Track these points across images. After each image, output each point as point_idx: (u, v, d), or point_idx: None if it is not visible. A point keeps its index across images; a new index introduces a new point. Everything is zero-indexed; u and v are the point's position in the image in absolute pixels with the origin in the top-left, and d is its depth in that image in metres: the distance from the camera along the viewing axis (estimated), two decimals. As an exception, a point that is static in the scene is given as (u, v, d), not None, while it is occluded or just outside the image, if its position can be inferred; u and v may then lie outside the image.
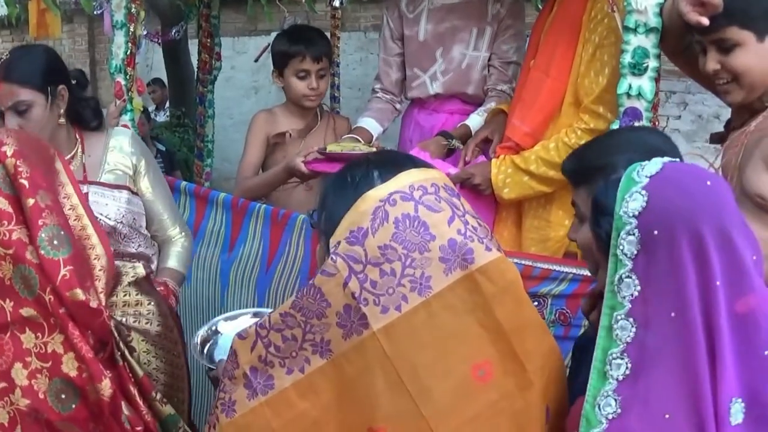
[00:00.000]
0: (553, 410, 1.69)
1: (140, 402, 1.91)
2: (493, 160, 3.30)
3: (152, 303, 2.10)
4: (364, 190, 1.59)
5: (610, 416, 1.47)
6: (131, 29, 3.57)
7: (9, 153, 1.81)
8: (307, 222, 3.18)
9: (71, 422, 1.82)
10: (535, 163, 3.16)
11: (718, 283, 1.44)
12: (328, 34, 4.27)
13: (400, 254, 1.52)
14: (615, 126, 2.67)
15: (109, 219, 2.78)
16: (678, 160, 1.62)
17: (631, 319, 1.50)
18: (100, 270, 1.92)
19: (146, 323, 2.07)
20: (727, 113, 2.80)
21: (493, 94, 3.79)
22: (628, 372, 1.49)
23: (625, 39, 2.62)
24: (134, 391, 1.91)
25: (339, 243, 1.55)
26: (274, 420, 1.59)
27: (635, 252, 1.50)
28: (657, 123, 2.70)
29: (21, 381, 1.80)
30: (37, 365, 1.80)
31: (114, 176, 2.92)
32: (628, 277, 1.50)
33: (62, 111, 2.84)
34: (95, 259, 1.93)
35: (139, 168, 2.98)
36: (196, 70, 5.29)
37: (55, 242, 1.80)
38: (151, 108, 10.80)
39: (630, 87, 2.63)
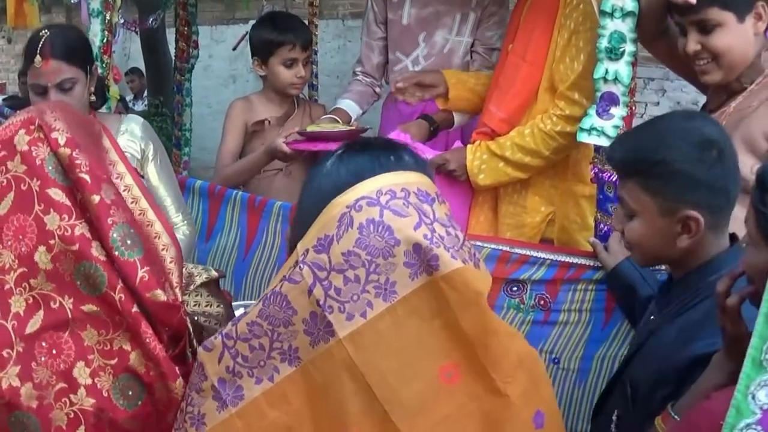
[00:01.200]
0: (549, 413, 1.67)
1: None
2: (469, 146, 3.31)
3: (222, 305, 2.04)
4: (334, 196, 1.56)
5: (765, 407, 1.36)
6: (107, 17, 3.53)
7: (62, 141, 1.70)
8: (284, 209, 3.17)
9: (136, 419, 1.75)
10: (510, 149, 3.17)
11: None
12: (306, 22, 4.27)
13: (364, 260, 1.49)
14: (592, 112, 2.68)
15: None
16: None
17: None
18: (170, 262, 1.83)
19: (215, 324, 1.99)
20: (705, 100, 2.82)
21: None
22: None
23: (602, 23, 2.62)
24: None
25: (307, 251, 1.53)
26: (245, 431, 1.57)
27: None
28: (634, 108, 2.70)
29: (84, 380, 1.72)
30: (101, 362, 1.73)
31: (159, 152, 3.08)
32: None
33: (93, 89, 2.99)
34: (163, 249, 1.84)
35: (147, 153, 3.11)
36: (173, 58, 5.26)
37: (128, 242, 1.70)
38: (129, 97, 10.75)
39: (607, 72, 2.63)
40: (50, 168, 1.70)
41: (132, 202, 1.84)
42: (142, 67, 10.14)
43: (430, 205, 1.56)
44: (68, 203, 1.70)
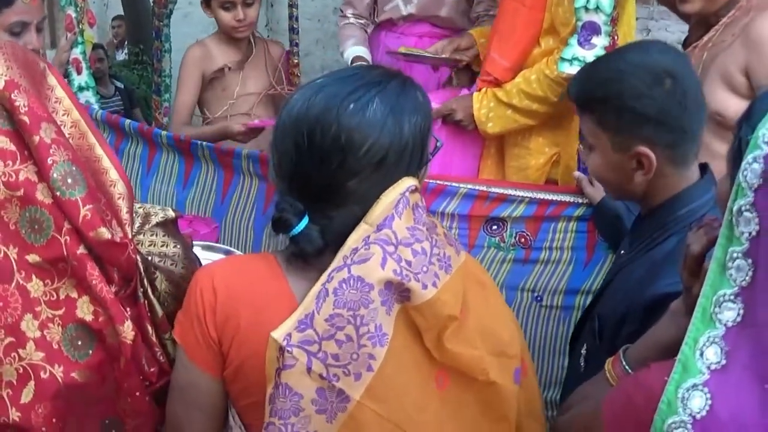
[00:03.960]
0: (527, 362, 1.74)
1: (155, 341, 1.81)
2: (474, 94, 3.23)
3: (178, 246, 1.98)
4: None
5: (713, 366, 1.28)
6: (81, -40, 3.46)
7: (1, 85, 1.64)
8: (253, 157, 3.12)
9: (89, 370, 1.71)
10: (517, 97, 3.10)
11: None
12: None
13: (348, 317, 1.47)
14: (573, 41, 2.64)
15: None
16: None
17: (749, 260, 1.26)
18: (119, 198, 1.78)
19: (171, 265, 1.93)
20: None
21: (487, 20, 3.74)
22: (739, 319, 1.27)
23: (584, -49, 2.58)
24: (151, 330, 1.80)
25: (290, 335, 1.50)
26: None
27: (757, 184, 1.25)
28: (616, 38, 2.67)
29: (33, 333, 1.68)
30: (49, 314, 1.69)
31: None
32: (747, 210, 1.25)
33: None
34: (111, 185, 1.79)
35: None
36: (152, 5, 5.18)
37: (69, 180, 1.65)
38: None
39: (588, 1, 2.59)
40: None
41: (79, 138, 1.80)
42: (122, 16, 10.03)
43: (390, 228, 1.51)
44: (13, 148, 1.66)
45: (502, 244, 2.85)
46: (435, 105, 3.28)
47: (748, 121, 1.35)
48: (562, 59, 2.66)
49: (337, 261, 1.51)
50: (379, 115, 1.53)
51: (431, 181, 2.89)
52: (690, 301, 1.48)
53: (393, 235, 1.51)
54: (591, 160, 2.04)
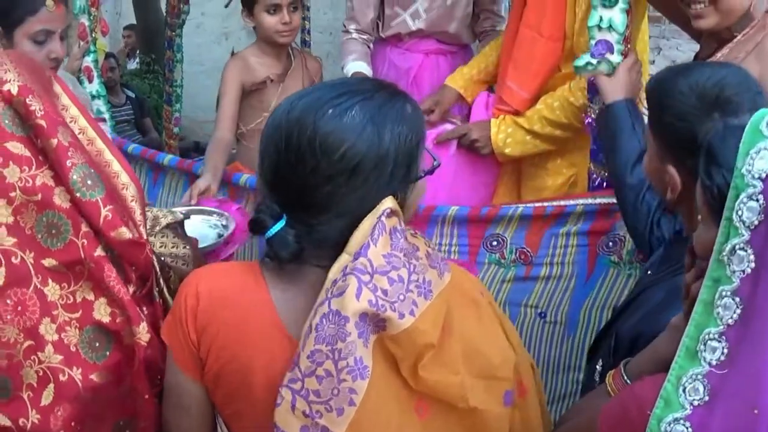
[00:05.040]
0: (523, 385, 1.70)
1: None
2: (492, 120, 3.24)
3: (187, 247, 2.02)
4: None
5: (696, 402, 1.29)
6: (95, -31, 3.49)
7: (15, 91, 1.66)
8: (251, 181, 3.16)
9: (106, 371, 1.74)
10: (539, 123, 3.10)
11: None
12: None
13: (326, 353, 1.45)
14: (584, 61, 2.64)
15: None
16: None
17: (737, 299, 1.27)
18: (131, 200, 1.81)
19: (183, 264, 1.98)
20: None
21: (492, 35, 3.78)
22: (723, 358, 1.28)
23: (597, -29, 2.58)
24: None
25: (285, 375, 1.50)
26: None
27: (756, 222, 1.25)
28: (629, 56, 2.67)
29: (51, 336, 1.70)
30: (66, 317, 1.71)
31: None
32: (742, 249, 1.26)
33: None
34: (123, 188, 1.81)
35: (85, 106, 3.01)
36: (165, 15, 5.20)
37: (89, 182, 1.68)
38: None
39: (601, 19, 2.60)
40: (7, 122, 1.68)
41: (88, 144, 1.81)
42: (135, 25, 10.07)
43: (365, 256, 1.48)
44: (28, 154, 1.68)
45: (502, 261, 2.85)
46: (448, 126, 3.28)
47: (717, 164, 1.37)
48: (576, 67, 2.67)
49: (321, 295, 1.49)
50: (357, 121, 1.51)
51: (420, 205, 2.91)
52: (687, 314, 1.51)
53: (368, 264, 1.47)
54: (646, 157, 1.98)
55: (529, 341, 2.83)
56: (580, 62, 2.66)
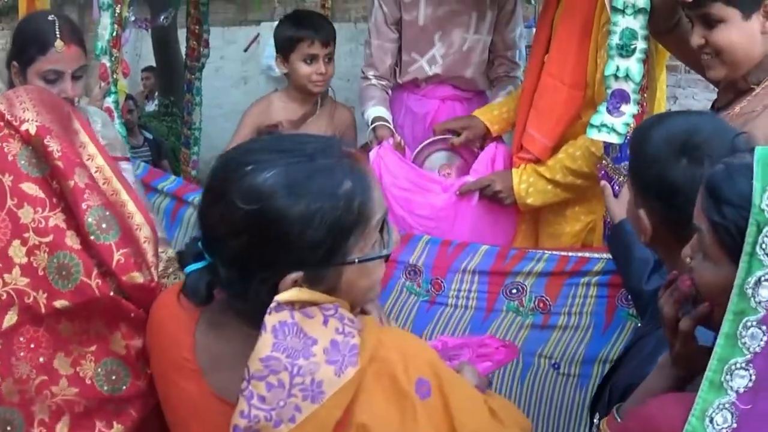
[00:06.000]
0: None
1: None
2: (514, 170, 3.25)
3: None
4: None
5: (723, 430, 1.31)
6: (117, 10, 3.53)
7: (33, 131, 1.68)
8: None
9: (124, 402, 1.76)
10: (561, 173, 3.12)
11: None
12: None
13: (285, 363, 1.40)
14: (602, 109, 2.64)
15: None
16: None
17: (764, 327, 1.31)
18: (144, 242, 1.81)
19: None
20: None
21: (506, 80, 3.80)
22: (750, 385, 1.31)
23: (613, 20, 2.59)
24: None
25: None
26: None
27: None
28: (645, 105, 2.68)
29: (65, 370, 1.72)
30: (81, 351, 1.73)
31: (109, 149, 2.98)
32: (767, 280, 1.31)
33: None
34: (137, 229, 1.81)
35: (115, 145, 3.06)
36: (184, 58, 5.27)
37: (104, 225, 1.68)
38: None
39: (618, 69, 2.60)
40: (23, 162, 1.70)
41: (104, 183, 1.82)
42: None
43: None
44: (42, 195, 1.70)
45: (521, 308, 2.84)
46: (470, 178, 3.30)
47: (728, 203, 1.38)
48: (591, 125, 2.67)
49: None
50: (269, 183, 1.44)
51: (455, 240, 2.92)
52: (674, 355, 1.58)
53: (246, 371, 1.41)
54: (622, 196, 2.04)
55: (542, 392, 2.81)
56: (596, 121, 2.67)
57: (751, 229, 1.30)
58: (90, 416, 1.73)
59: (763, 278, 1.30)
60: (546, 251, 2.84)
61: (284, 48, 3.65)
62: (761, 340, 1.31)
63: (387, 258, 1.59)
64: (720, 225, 1.40)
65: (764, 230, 1.29)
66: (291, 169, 1.46)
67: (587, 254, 2.78)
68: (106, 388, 1.73)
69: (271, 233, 1.44)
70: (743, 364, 1.31)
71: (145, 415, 1.78)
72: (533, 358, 2.81)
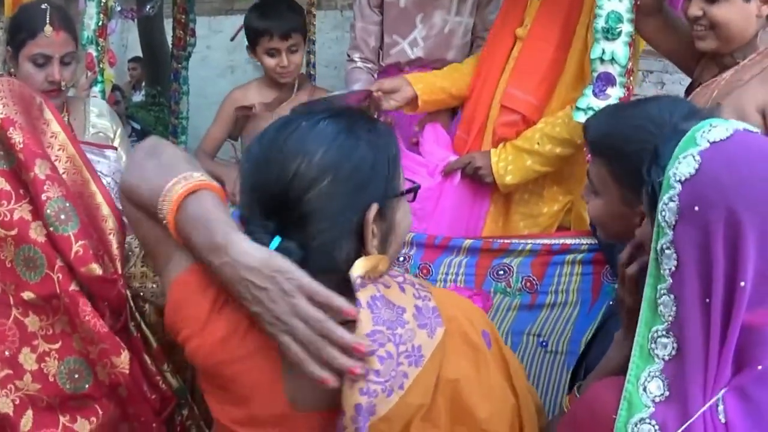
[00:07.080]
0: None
1: (155, 371, 1.84)
2: (492, 150, 3.23)
3: None
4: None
5: (657, 399, 1.33)
6: (103, 0, 3.53)
7: None
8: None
9: (87, 399, 1.76)
10: (540, 141, 3.09)
11: (743, 284, 1.28)
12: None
13: (388, 335, 1.44)
14: (588, 92, 2.66)
15: (104, 175, 2.82)
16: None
17: (672, 296, 1.34)
18: (110, 233, 1.81)
19: (163, 296, 1.99)
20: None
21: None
22: (674, 352, 1.34)
23: (599, 3, 2.62)
24: (149, 360, 1.84)
25: None
26: None
27: (674, 221, 1.32)
28: (631, 88, 2.69)
29: (30, 366, 1.72)
30: (46, 348, 1.73)
31: (98, 138, 3.08)
32: (668, 248, 1.33)
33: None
34: (103, 220, 1.82)
35: (117, 131, 3.18)
36: (171, 47, 5.26)
37: (62, 216, 1.68)
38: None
39: (603, 52, 2.63)
40: None
41: (74, 173, 1.83)
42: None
43: None
44: (8, 188, 1.70)
45: (508, 290, 2.85)
46: (452, 157, 3.30)
47: (657, 164, 1.40)
48: (577, 108, 2.68)
49: None
50: (330, 129, 1.51)
51: (438, 236, 2.94)
52: (625, 312, 1.62)
53: None
54: (593, 204, 1.97)
55: (530, 370, 2.83)
56: (582, 104, 2.68)
57: (660, 195, 1.35)
58: (53, 411, 1.74)
59: (664, 245, 1.34)
60: (529, 241, 2.85)
61: (250, 40, 3.74)
62: (671, 308, 1.35)
63: (414, 196, 1.65)
64: (647, 187, 1.45)
65: (664, 197, 1.34)
66: (336, 119, 1.55)
67: (569, 240, 2.79)
68: (68, 386, 1.74)
69: (345, 170, 1.49)
70: (663, 332, 1.36)
71: (113, 416, 1.79)
72: (521, 337, 2.83)
